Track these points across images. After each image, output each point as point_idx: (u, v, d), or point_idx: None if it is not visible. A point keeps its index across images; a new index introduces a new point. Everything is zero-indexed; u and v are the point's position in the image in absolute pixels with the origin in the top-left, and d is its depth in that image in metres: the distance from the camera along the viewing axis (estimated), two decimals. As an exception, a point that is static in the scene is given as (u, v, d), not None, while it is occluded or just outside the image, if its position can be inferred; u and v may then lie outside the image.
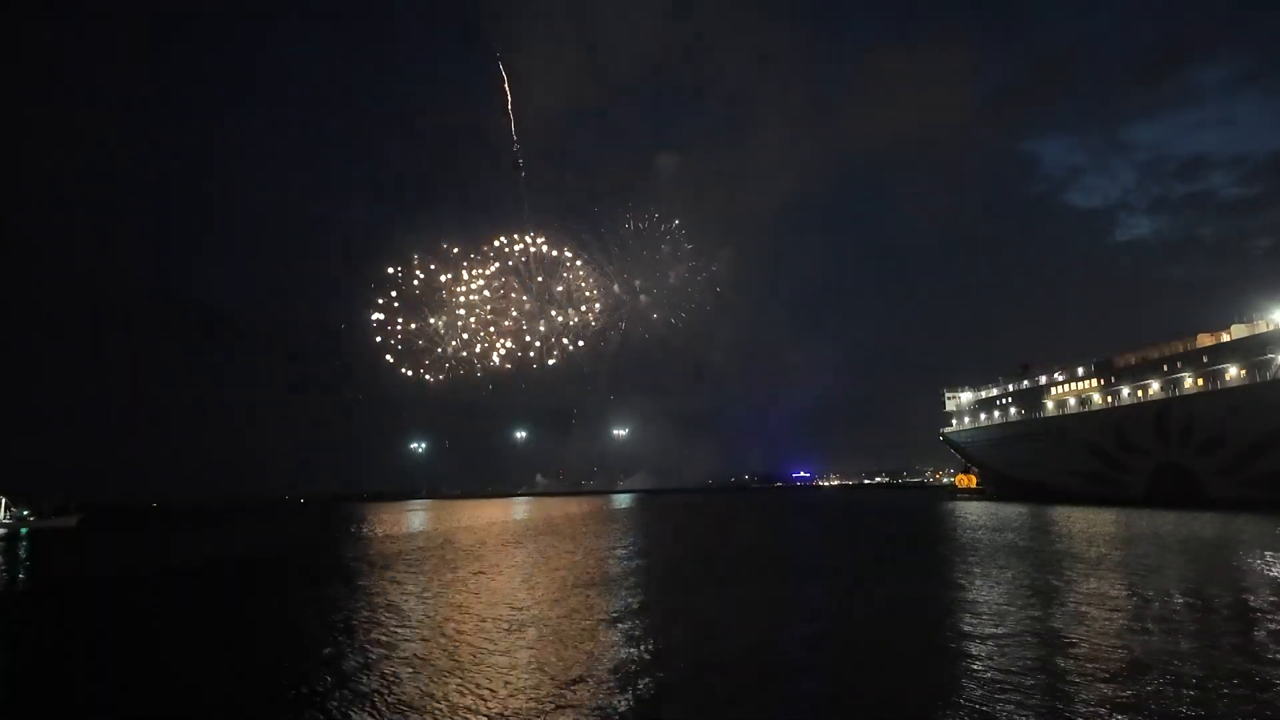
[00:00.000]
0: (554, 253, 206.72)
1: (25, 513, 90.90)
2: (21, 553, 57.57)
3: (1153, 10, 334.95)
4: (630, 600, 24.33)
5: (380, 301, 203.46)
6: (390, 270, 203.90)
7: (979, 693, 13.24)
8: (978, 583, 26.01)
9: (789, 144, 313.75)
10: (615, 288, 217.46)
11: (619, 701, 13.37)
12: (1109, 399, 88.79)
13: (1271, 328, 70.43)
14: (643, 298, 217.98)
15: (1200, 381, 75.85)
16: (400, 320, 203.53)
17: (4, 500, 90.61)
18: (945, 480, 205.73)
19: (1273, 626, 17.76)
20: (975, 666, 14.92)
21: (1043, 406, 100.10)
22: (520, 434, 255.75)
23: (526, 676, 15.18)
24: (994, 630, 18.12)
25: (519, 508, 56.20)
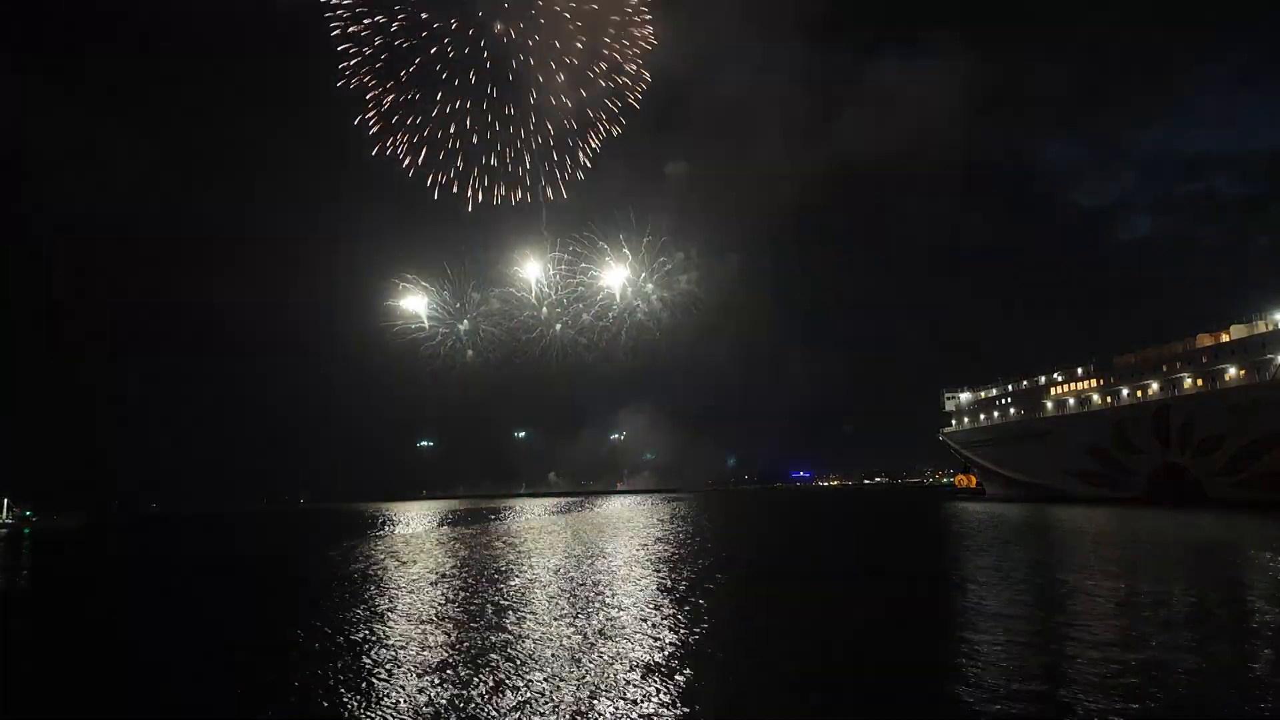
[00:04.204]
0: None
1: (29, 513, 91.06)
2: (23, 552, 57.70)
3: (1154, 11, 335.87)
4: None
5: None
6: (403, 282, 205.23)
7: (981, 691, 13.45)
8: (978, 583, 26.19)
9: (794, 153, 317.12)
10: (629, 291, 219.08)
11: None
12: (1108, 399, 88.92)
13: (1271, 328, 70.60)
14: (654, 300, 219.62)
15: (1200, 381, 76.01)
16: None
17: (5, 501, 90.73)
18: (945, 480, 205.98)
19: (1271, 626, 17.95)
20: (976, 665, 15.12)
21: (1042, 406, 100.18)
22: (521, 434, 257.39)
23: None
24: (995, 632, 18.31)
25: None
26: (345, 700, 13.91)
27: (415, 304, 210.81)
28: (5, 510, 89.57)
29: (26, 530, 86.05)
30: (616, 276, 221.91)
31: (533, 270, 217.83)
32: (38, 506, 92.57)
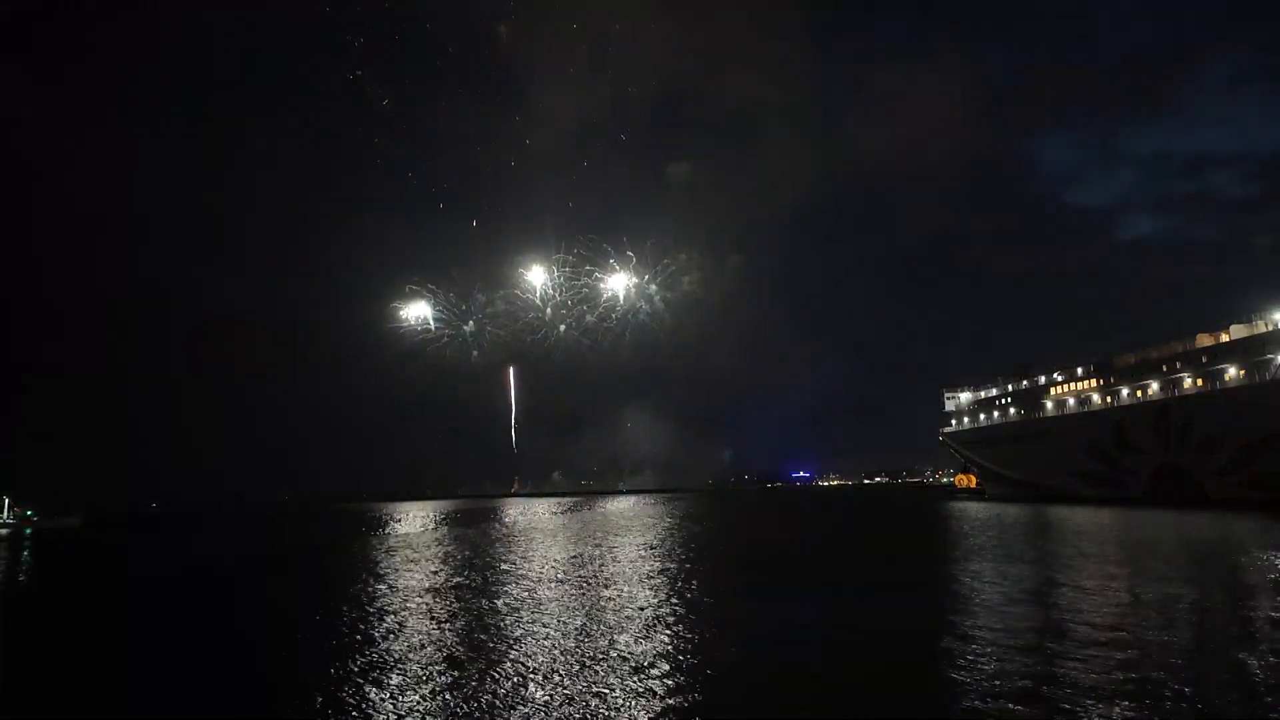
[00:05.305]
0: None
1: (30, 513, 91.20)
2: (26, 553, 57.78)
3: (1154, 10, 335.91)
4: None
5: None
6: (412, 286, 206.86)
7: (978, 690, 13.54)
8: (978, 583, 26.28)
9: (795, 155, 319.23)
10: (632, 293, 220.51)
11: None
12: (1108, 399, 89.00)
13: (1271, 328, 70.63)
14: (656, 301, 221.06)
15: (1199, 381, 76.06)
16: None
17: (7, 500, 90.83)
18: (945, 480, 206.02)
19: (1269, 625, 18.04)
20: (975, 665, 15.21)
21: (1042, 407, 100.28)
22: (523, 434, 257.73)
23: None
24: (992, 631, 18.40)
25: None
26: (352, 699, 14.01)
27: (421, 307, 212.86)
28: (6, 510, 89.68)
29: (28, 530, 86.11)
30: (620, 279, 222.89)
31: (537, 273, 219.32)
32: (39, 507, 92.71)
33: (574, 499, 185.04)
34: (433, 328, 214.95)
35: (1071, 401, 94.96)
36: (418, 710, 13.24)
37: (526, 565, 35.51)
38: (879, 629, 19.50)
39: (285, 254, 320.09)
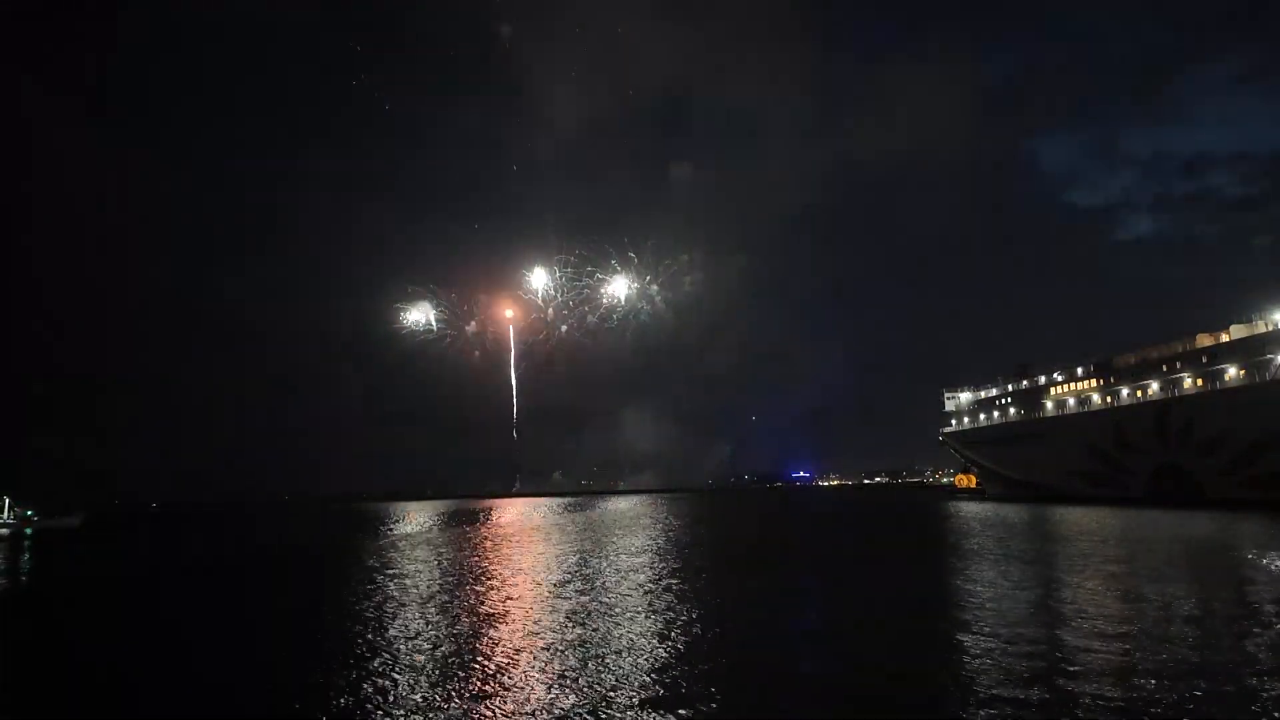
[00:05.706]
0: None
1: (30, 513, 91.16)
2: (26, 554, 57.82)
3: (1154, 10, 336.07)
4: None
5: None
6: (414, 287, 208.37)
7: (980, 691, 13.55)
8: (979, 583, 26.30)
9: (796, 155, 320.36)
10: (634, 293, 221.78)
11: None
12: (1108, 399, 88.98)
13: (1271, 328, 70.60)
14: (658, 301, 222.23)
15: (1200, 381, 76.04)
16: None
17: (7, 500, 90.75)
18: (945, 480, 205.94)
19: (1269, 626, 18.05)
20: (976, 665, 15.23)
21: (1042, 406, 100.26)
22: (524, 434, 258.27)
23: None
24: (992, 629, 18.42)
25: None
26: (354, 698, 14.03)
27: (423, 308, 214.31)
28: (6, 510, 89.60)
29: (28, 530, 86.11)
30: (622, 279, 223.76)
31: (539, 274, 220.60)
32: (39, 507, 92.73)
33: (575, 499, 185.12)
34: (434, 328, 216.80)
35: (1071, 401, 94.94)
36: (420, 710, 13.27)
37: (528, 565, 35.55)
38: (880, 628, 19.51)
39: (286, 254, 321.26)
